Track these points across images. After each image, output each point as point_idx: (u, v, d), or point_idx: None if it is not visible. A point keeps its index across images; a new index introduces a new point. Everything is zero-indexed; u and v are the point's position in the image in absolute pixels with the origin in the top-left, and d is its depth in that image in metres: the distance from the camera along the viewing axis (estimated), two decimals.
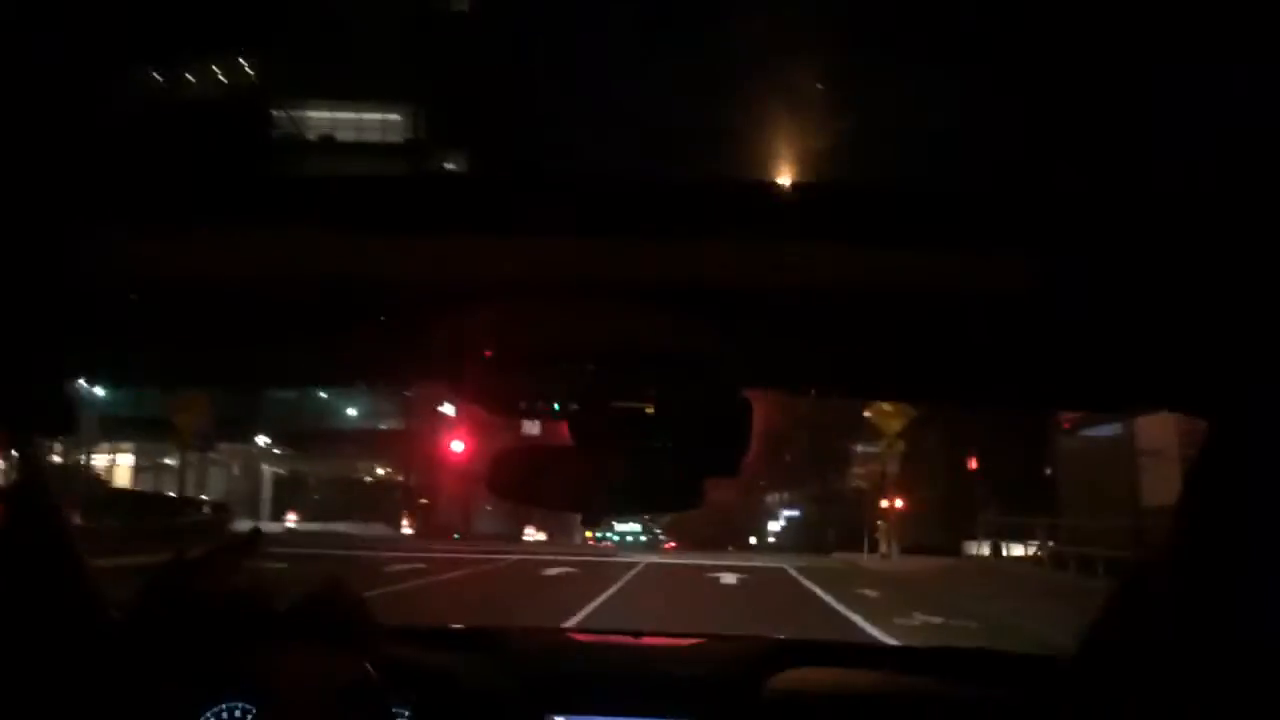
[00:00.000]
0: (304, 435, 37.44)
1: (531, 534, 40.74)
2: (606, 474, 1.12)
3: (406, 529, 34.85)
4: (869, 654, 1.84)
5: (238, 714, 1.20)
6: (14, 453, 0.85)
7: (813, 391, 1.29)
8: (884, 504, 25.57)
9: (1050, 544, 19.38)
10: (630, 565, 19.96)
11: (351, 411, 39.53)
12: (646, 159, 1.24)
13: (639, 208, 0.94)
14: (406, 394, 35.76)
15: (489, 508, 43.86)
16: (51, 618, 1.15)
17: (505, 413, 1.12)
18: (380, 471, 41.40)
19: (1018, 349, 1.06)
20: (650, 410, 1.11)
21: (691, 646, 1.86)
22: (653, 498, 1.13)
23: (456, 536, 33.26)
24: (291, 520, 31.91)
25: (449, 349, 1.09)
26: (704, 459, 1.10)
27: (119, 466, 35.93)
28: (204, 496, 35.18)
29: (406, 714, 1.42)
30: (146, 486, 35.20)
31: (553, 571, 18.16)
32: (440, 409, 35.25)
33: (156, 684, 1.13)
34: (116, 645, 1.16)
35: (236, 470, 36.87)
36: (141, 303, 0.92)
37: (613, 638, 1.93)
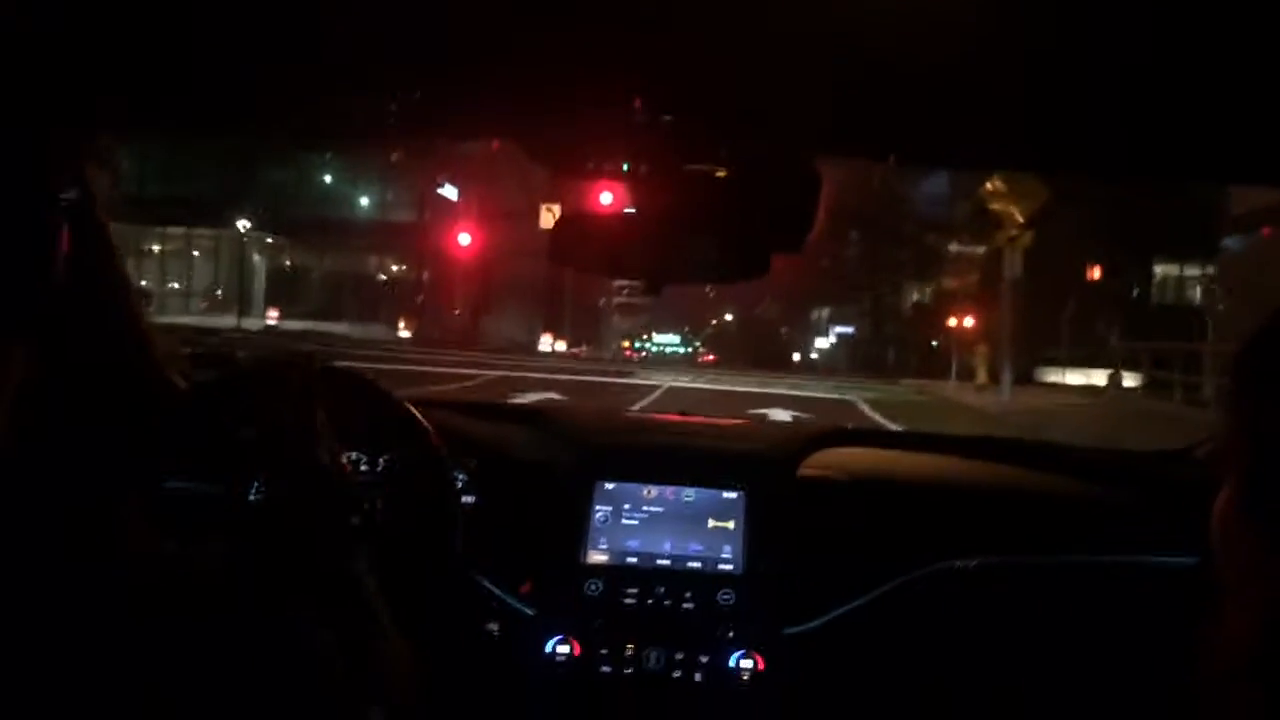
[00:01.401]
0: (303, 224, 36.99)
1: (548, 343, 40.95)
2: (671, 238, 1.24)
3: (403, 332, 34.40)
4: (933, 440, 2.05)
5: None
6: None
7: (892, 159, 1.34)
8: (963, 322, 23.58)
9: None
10: (644, 391, 16.85)
11: (364, 201, 38.74)
12: None
13: None
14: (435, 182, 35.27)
15: (504, 311, 44.30)
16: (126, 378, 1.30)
17: (573, 171, 1.23)
18: (395, 269, 41.05)
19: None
20: (722, 174, 1.21)
21: (737, 425, 2.09)
22: (716, 265, 1.25)
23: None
24: (272, 317, 31.33)
25: (522, 97, 1.18)
26: (772, 230, 1.22)
27: None
28: (174, 285, 35.32)
29: (464, 479, 1.66)
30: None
31: (524, 399, 14.77)
32: (441, 190, 34.57)
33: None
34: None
35: (219, 260, 36.92)
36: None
37: (661, 416, 2.17)
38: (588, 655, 1.63)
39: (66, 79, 0.90)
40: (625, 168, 1.22)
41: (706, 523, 1.74)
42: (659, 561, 1.72)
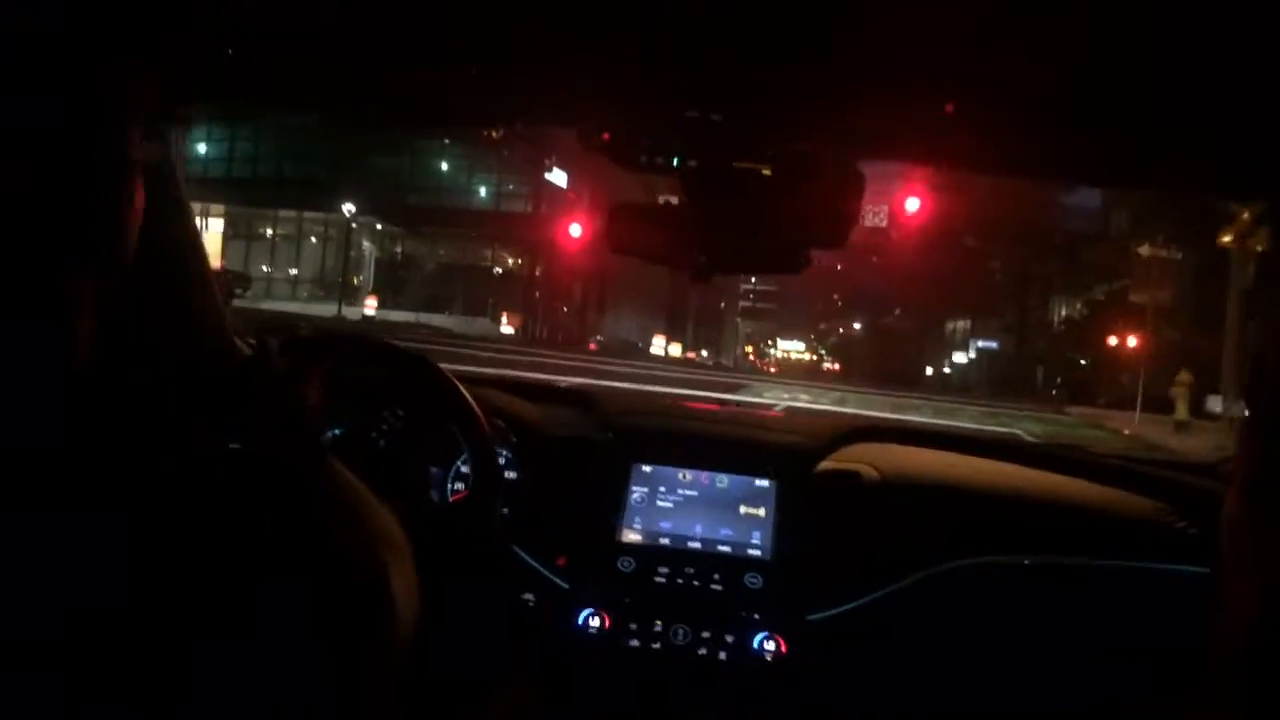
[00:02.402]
0: (417, 211, 37.57)
1: (660, 346, 40.91)
2: (719, 230, 1.39)
3: (506, 328, 35.14)
4: (964, 440, 2.17)
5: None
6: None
7: (937, 163, 1.44)
8: (1125, 340, 21.34)
9: None
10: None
11: (482, 190, 39.31)
12: None
13: None
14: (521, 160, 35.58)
15: (619, 310, 44.43)
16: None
17: (625, 162, 1.38)
18: (510, 261, 41.43)
19: None
20: (767, 171, 1.35)
21: (772, 415, 2.32)
22: (761, 259, 1.41)
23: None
24: (370, 307, 32.04)
25: (585, 90, 1.32)
26: (814, 225, 1.35)
27: (208, 234, 37.98)
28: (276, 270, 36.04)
29: (506, 454, 1.87)
30: (236, 258, 37.32)
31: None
32: (549, 176, 34.71)
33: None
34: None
35: (329, 246, 37.84)
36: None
37: (698, 404, 2.35)
38: (617, 628, 1.80)
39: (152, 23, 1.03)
40: (675, 162, 1.37)
41: (738, 509, 1.91)
42: (690, 543, 1.89)
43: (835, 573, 1.84)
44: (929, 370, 42.32)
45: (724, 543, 1.88)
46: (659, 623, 1.79)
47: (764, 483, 1.93)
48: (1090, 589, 1.79)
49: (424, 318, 32.89)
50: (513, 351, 21.03)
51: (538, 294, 38.94)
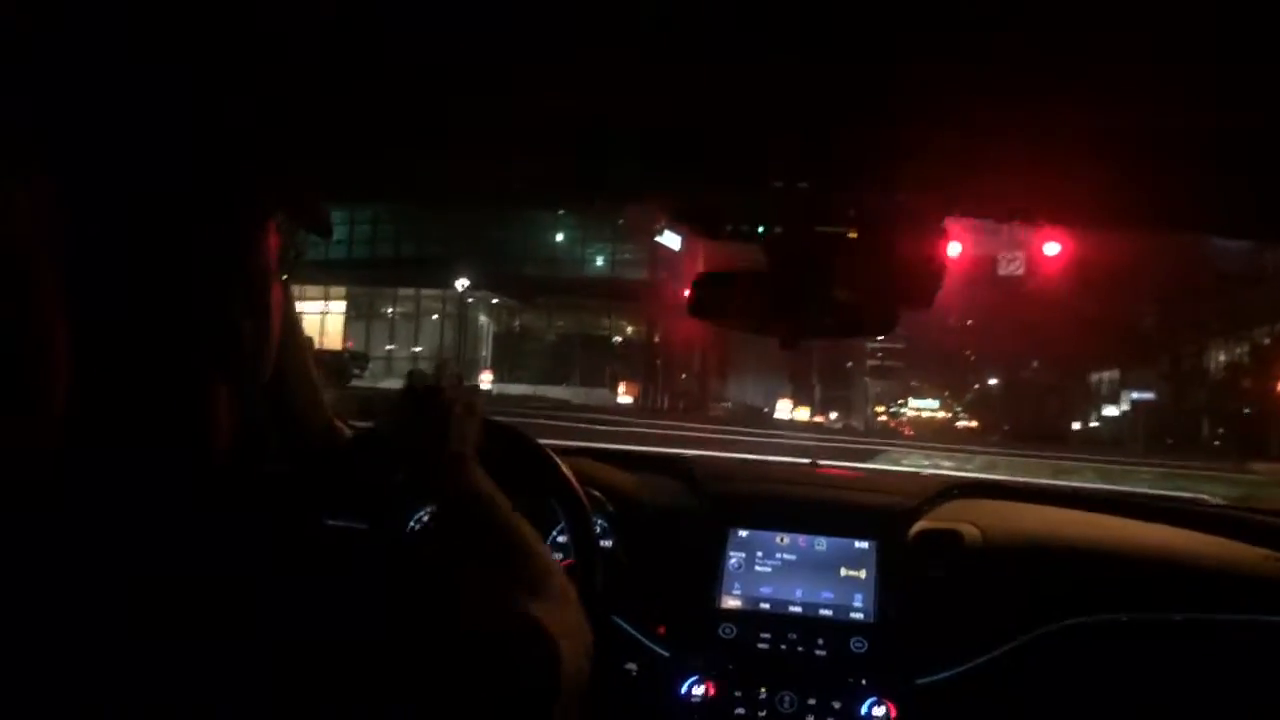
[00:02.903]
0: (532, 283, 38.27)
1: (786, 410, 40.42)
2: (806, 297, 1.43)
3: (624, 398, 35.25)
4: (1064, 494, 2.15)
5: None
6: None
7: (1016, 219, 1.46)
8: None
9: None
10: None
11: (599, 260, 39.66)
12: None
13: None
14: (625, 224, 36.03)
15: (742, 374, 44.15)
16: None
17: (709, 232, 1.45)
18: (629, 329, 41.74)
19: None
20: (852, 235, 1.40)
21: (866, 476, 2.28)
22: (849, 322, 1.45)
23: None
24: (485, 381, 32.15)
25: (673, 166, 1.37)
26: (901, 287, 1.39)
27: (331, 315, 39.47)
28: (390, 347, 37.18)
29: (603, 524, 1.91)
30: (358, 337, 38.65)
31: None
32: (660, 239, 35.08)
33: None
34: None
35: (448, 322, 38.81)
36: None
37: (791, 468, 2.46)
38: (722, 696, 1.83)
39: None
40: (760, 230, 1.43)
41: (838, 571, 1.94)
42: (791, 608, 1.92)
43: (942, 635, 1.85)
44: (1075, 425, 40.95)
45: (826, 606, 1.92)
46: (764, 690, 1.82)
47: (863, 544, 1.96)
48: (1209, 644, 1.76)
49: (541, 390, 33.26)
50: (623, 423, 20.73)
51: (657, 361, 39.09)
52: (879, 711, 1.78)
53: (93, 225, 0.71)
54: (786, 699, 1.81)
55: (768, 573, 1.96)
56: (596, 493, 1.90)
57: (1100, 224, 1.54)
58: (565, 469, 1.63)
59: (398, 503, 1.72)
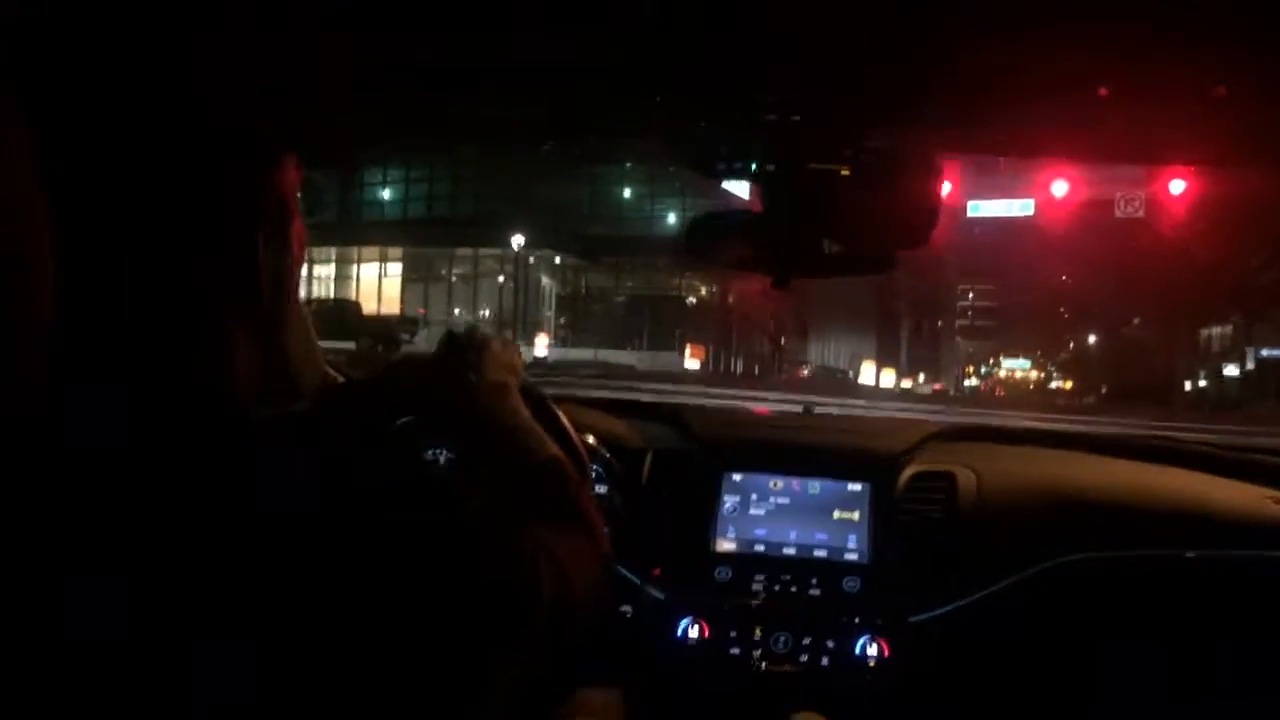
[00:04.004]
0: (597, 242, 37.77)
1: (870, 374, 39.76)
2: (799, 235, 1.48)
3: (690, 362, 34.84)
4: (1062, 437, 2.26)
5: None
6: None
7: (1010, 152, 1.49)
8: None
9: None
10: None
11: (671, 217, 39.17)
12: None
13: None
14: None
15: (823, 335, 43.69)
16: None
17: (704, 170, 1.51)
18: (704, 290, 41.16)
19: None
20: (845, 172, 1.45)
21: (861, 419, 2.34)
22: (844, 260, 1.50)
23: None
24: (542, 346, 31.89)
25: (666, 101, 1.43)
26: (896, 225, 1.44)
27: (388, 279, 39.79)
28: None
29: (598, 469, 2.00)
30: (415, 300, 38.98)
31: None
32: (726, 185, 34.67)
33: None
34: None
35: (506, 281, 38.66)
36: None
37: (786, 414, 2.45)
38: (716, 637, 1.93)
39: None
40: (754, 167, 1.48)
41: (832, 514, 2.04)
42: (785, 550, 2.03)
43: (936, 574, 1.94)
44: (1186, 385, 39.83)
45: (819, 548, 2.01)
46: (759, 631, 1.91)
47: (856, 486, 2.05)
48: (1201, 581, 1.83)
49: (604, 354, 33.01)
50: (671, 392, 20.47)
51: (730, 322, 38.75)
52: (872, 650, 1.87)
53: (100, 156, 0.74)
54: (781, 639, 1.90)
55: (762, 516, 2.06)
56: (590, 439, 1.99)
57: (1106, 157, 1.57)
58: (560, 415, 1.71)
59: (407, 440, 1.79)
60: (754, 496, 2.08)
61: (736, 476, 2.10)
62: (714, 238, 1.59)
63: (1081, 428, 2.36)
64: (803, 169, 1.45)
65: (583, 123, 1.77)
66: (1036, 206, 22.47)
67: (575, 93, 1.50)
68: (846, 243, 1.47)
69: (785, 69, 1.33)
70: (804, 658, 1.89)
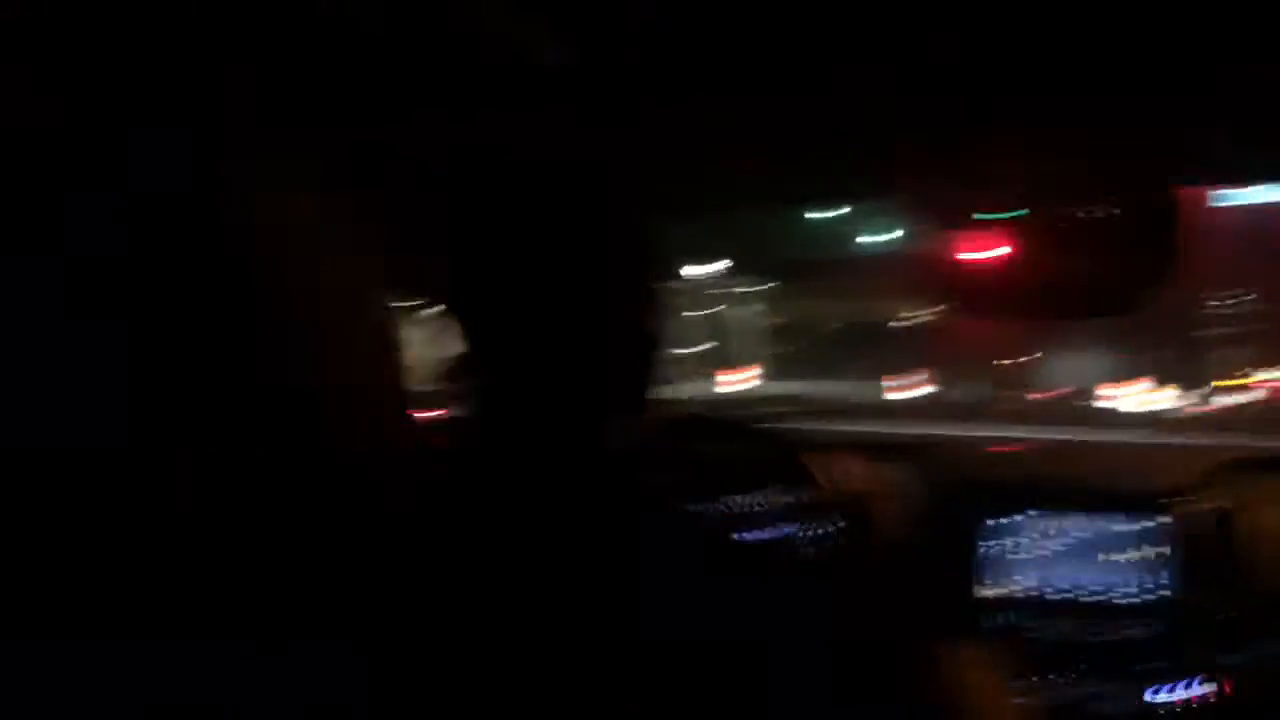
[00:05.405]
0: (800, 266, 37.07)
1: (1112, 395, 37.71)
2: (1057, 278, 1.62)
3: (903, 392, 32.80)
4: None
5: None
6: None
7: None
8: None
9: None
10: None
11: (887, 235, 37.61)
12: None
13: None
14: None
15: (1063, 348, 41.43)
16: None
17: (956, 222, 1.66)
18: (921, 314, 39.59)
19: None
20: (1099, 215, 1.58)
21: (1135, 450, 2.25)
22: (1100, 302, 1.60)
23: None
24: (743, 381, 29.80)
25: (914, 153, 1.52)
26: (1148, 265, 1.56)
27: None
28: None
29: (842, 523, 2.08)
30: None
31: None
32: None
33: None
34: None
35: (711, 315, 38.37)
36: None
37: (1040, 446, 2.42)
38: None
39: None
40: (1008, 215, 1.61)
41: (1100, 554, 2.01)
42: (1049, 594, 2.01)
43: (1238, 615, 1.88)
44: None
45: (1093, 590, 1.99)
46: (1036, 679, 1.87)
47: (1132, 526, 2.01)
48: None
49: (811, 387, 32.24)
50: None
51: (951, 348, 37.47)
52: (1168, 698, 1.79)
53: None
54: (1065, 688, 1.85)
55: (1028, 560, 2.04)
56: (843, 486, 2.06)
57: None
58: (807, 465, 1.82)
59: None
60: (1019, 540, 2.05)
61: (998, 519, 2.08)
62: (970, 284, 1.68)
63: None
64: (1063, 214, 1.58)
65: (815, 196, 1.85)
66: None
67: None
68: (1102, 284, 1.59)
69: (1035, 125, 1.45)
70: (1093, 705, 1.83)
